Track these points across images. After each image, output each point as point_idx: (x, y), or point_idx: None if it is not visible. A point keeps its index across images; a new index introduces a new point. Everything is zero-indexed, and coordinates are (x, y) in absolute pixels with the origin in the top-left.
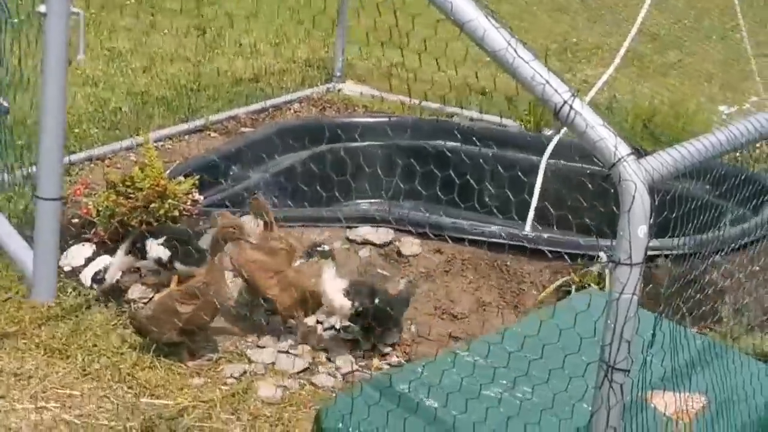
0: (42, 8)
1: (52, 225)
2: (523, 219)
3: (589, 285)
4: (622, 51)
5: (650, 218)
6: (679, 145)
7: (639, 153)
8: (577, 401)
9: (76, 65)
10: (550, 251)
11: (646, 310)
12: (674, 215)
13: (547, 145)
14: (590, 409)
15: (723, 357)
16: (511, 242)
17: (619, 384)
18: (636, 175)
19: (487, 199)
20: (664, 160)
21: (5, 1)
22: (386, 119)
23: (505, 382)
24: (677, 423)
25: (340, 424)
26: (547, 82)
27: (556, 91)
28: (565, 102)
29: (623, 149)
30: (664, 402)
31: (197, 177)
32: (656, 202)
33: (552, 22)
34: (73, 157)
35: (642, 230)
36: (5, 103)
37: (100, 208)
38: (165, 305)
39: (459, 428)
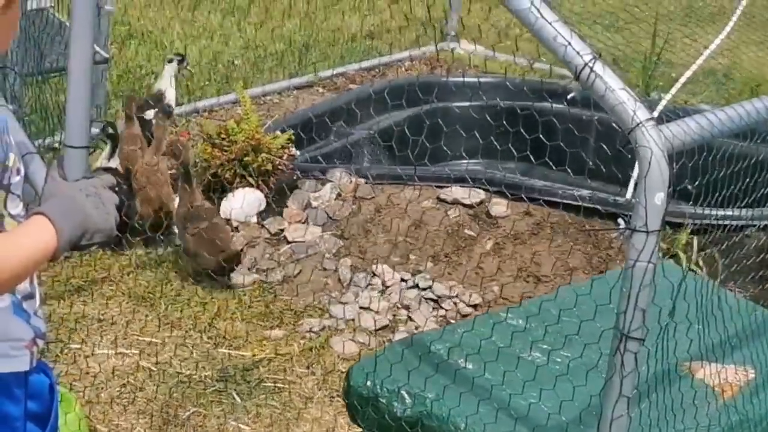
0: None
1: (80, 172)
2: (624, 185)
3: (677, 253)
4: (734, 18)
5: (669, 186)
6: (709, 112)
7: (661, 119)
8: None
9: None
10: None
11: (698, 277)
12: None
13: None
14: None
15: None
16: (599, 207)
17: (632, 353)
18: (653, 142)
19: (589, 163)
20: (688, 127)
21: None
22: (492, 79)
23: (545, 346)
24: (720, 395)
25: (368, 382)
26: (569, 43)
27: (577, 53)
28: (586, 64)
29: (642, 114)
30: (708, 373)
31: (293, 132)
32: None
33: None
34: (180, 109)
35: (659, 197)
36: (105, 54)
37: (197, 160)
38: (218, 227)
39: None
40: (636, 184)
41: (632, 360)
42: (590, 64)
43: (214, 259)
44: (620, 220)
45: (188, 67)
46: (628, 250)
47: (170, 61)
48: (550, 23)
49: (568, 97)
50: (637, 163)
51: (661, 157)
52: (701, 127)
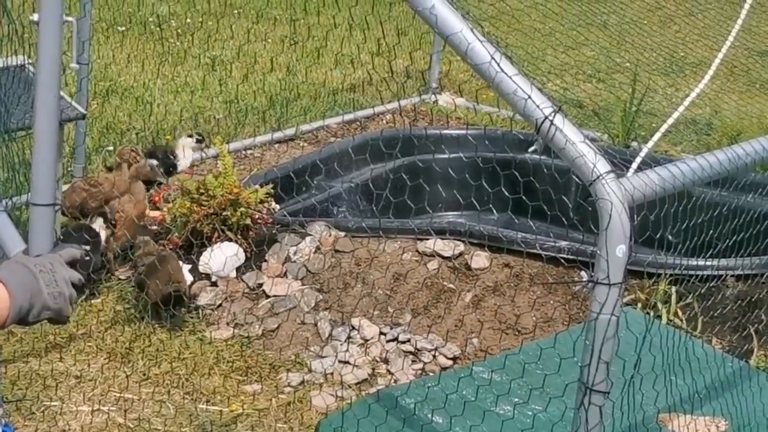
0: (35, 17)
1: (47, 230)
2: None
3: (656, 304)
4: (714, 67)
5: (630, 238)
6: (672, 164)
7: (622, 171)
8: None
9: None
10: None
11: (663, 326)
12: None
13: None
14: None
15: (749, 379)
16: (578, 258)
17: (597, 406)
18: (614, 194)
19: (570, 213)
20: (649, 179)
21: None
22: (470, 132)
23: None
24: None
25: None
26: (529, 97)
27: (537, 106)
28: (546, 117)
29: (602, 167)
30: (678, 425)
31: (272, 186)
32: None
33: (659, 36)
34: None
35: (620, 250)
36: (81, 109)
37: (176, 215)
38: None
39: None
40: None
41: (597, 413)
42: (550, 117)
43: (155, 294)
44: (583, 273)
45: (204, 149)
46: (591, 302)
47: (189, 135)
48: (509, 77)
49: (530, 150)
50: (598, 215)
51: (622, 210)
52: (663, 179)
